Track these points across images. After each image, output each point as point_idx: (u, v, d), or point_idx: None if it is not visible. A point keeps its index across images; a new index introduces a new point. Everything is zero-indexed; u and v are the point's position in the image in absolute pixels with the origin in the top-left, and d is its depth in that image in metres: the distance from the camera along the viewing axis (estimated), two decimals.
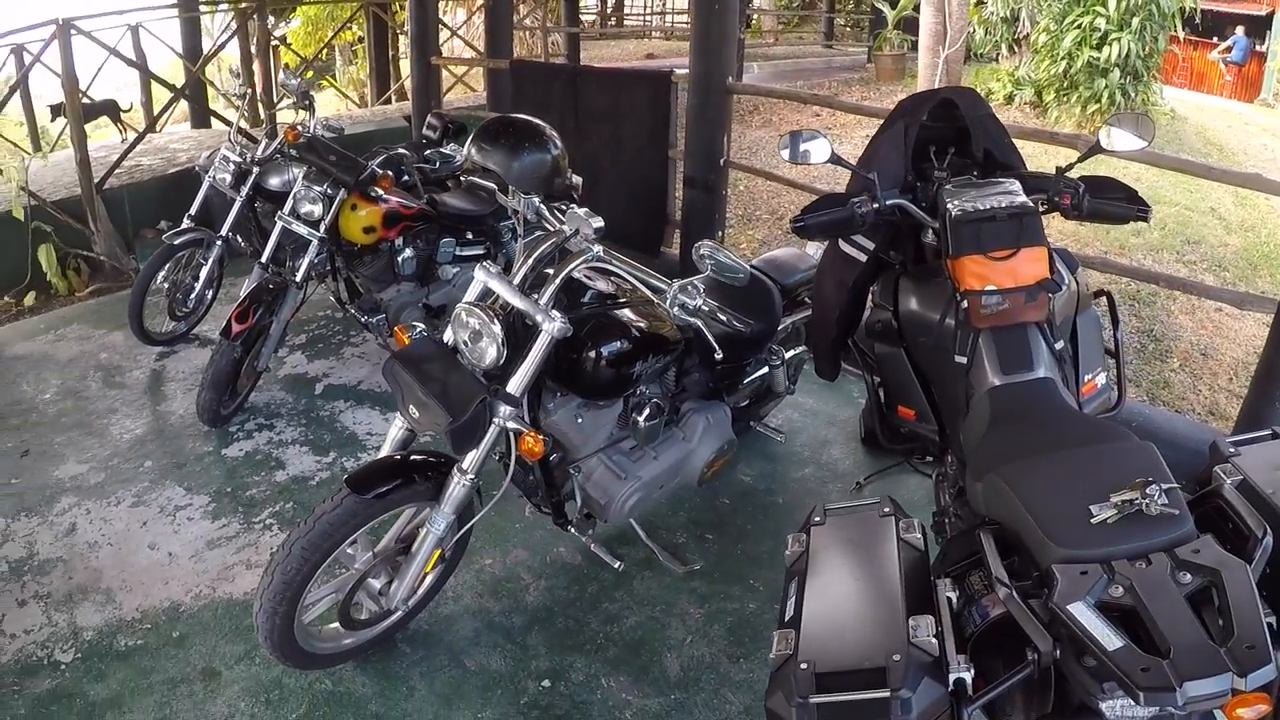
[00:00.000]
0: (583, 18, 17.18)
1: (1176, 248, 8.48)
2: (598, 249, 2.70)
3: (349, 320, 5.69)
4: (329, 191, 4.52)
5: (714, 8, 5.70)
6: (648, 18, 22.76)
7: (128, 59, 8.58)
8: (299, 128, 4.71)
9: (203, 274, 5.37)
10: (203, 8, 10.06)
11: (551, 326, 2.55)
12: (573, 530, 3.21)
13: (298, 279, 4.56)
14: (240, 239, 5.31)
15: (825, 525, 2.19)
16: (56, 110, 8.98)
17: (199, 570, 3.58)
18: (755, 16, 20.50)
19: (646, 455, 3.19)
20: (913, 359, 2.89)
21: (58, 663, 3.13)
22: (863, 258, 3.11)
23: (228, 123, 8.18)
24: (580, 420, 3.02)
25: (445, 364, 2.62)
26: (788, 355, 3.89)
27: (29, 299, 6.62)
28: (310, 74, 10.61)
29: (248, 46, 9.12)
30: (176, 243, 5.23)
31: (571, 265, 2.68)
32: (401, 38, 12.23)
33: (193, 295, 5.45)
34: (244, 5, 9.36)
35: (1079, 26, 10.24)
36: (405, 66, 12.68)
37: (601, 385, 2.88)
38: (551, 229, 2.84)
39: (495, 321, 2.53)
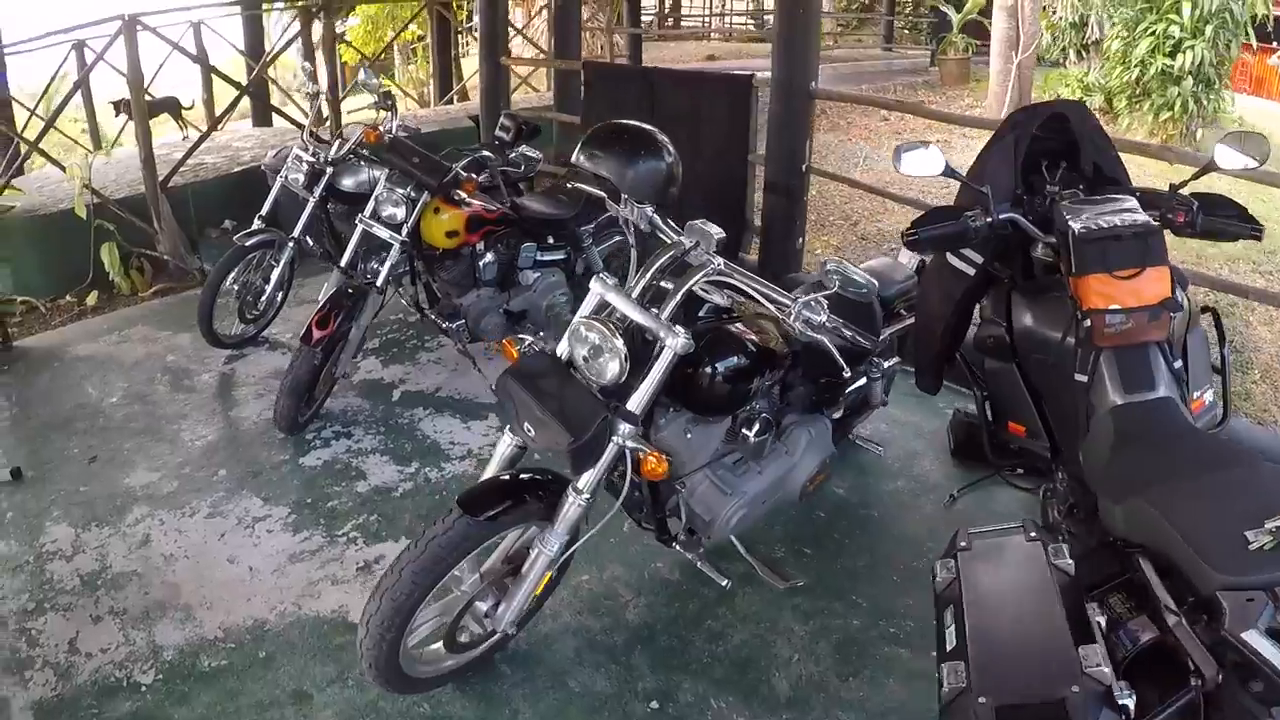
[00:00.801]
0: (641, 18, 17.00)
1: (1254, 258, 8.25)
2: (719, 261, 2.56)
3: (423, 324, 5.51)
4: (412, 194, 4.36)
5: (798, 12, 5.52)
6: (705, 19, 22.59)
7: (193, 55, 8.48)
8: (379, 128, 4.53)
9: (274, 276, 5.23)
10: (265, 5, 9.94)
11: (675, 343, 2.40)
12: (677, 547, 3.06)
13: (378, 284, 4.40)
14: (310, 240, 5.16)
15: (972, 551, 2.14)
16: (119, 106, 8.91)
17: (282, 586, 3.41)
18: None
19: (751, 470, 3.03)
20: (1025, 375, 2.88)
21: (138, 684, 2.95)
22: (971, 271, 3.06)
23: (293, 121, 8.10)
24: (689, 436, 2.87)
25: (561, 380, 2.50)
26: (884, 367, 3.72)
27: (91, 298, 6.51)
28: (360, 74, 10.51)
29: (310, 44, 9.01)
30: (248, 244, 5.09)
31: (693, 279, 2.53)
32: (461, 37, 12.11)
33: (263, 298, 5.31)
34: (306, 3, 9.25)
35: (1153, 33, 10.04)
36: (466, 66, 12.64)
37: (718, 401, 2.75)
38: (669, 240, 2.68)
39: (617, 336, 2.40)
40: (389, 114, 4.75)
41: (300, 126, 7.94)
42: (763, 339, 2.81)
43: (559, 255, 5.04)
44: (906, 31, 17.68)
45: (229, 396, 4.90)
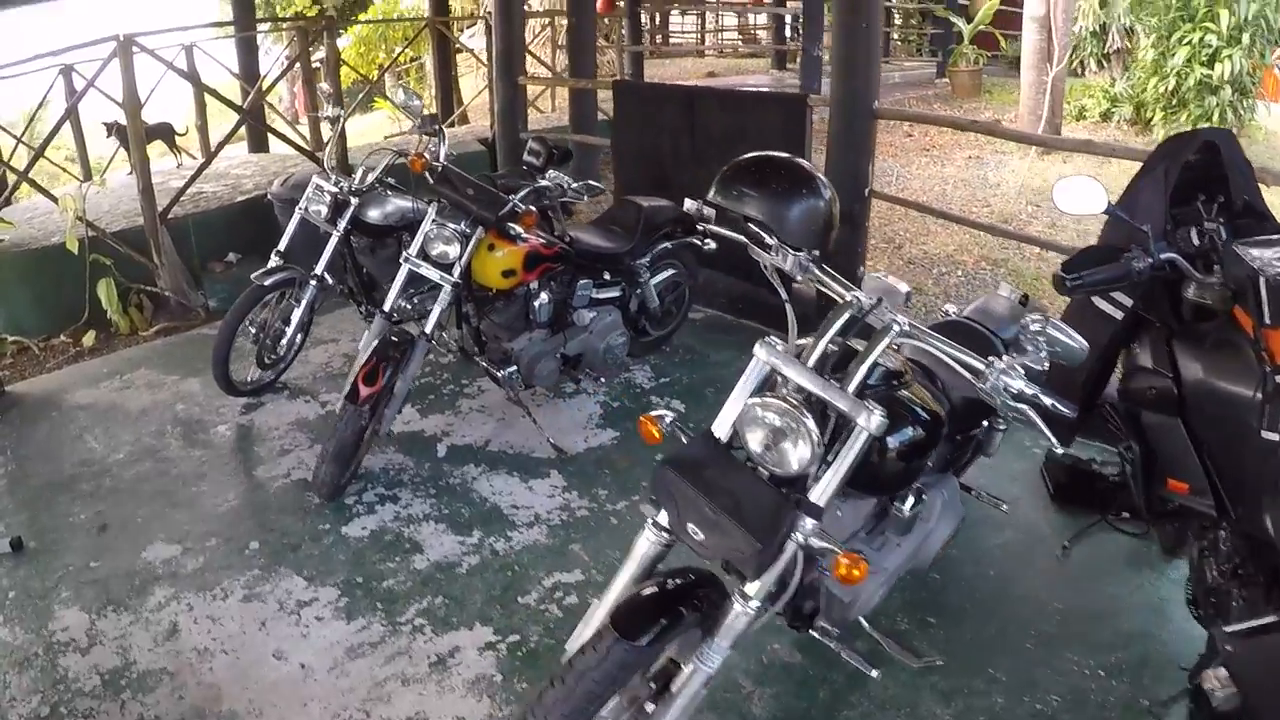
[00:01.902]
0: None
1: None
2: (904, 320, 2.18)
3: (459, 367, 5.09)
4: (466, 230, 3.91)
5: (860, 26, 5.15)
6: (697, 36, 22.28)
7: (194, 79, 8.02)
8: (424, 155, 4.08)
9: (294, 317, 4.77)
10: (262, 28, 9.49)
11: (870, 422, 2.05)
12: (814, 633, 2.62)
13: (427, 330, 3.94)
14: (330, 278, 4.73)
15: (1238, 653, 2.00)
16: (111, 128, 8.45)
17: (343, 688, 2.93)
18: None
19: (890, 543, 2.71)
20: (1189, 428, 2.63)
21: None
22: (1119, 315, 2.91)
23: (296, 146, 7.63)
24: (839, 513, 2.55)
25: (732, 470, 2.15)
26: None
27: (88, 338, 6.01)
28: (359, 95, 10.06)
29: (309, 67, 8.58)
30: (266, 283, 4.62)
31: (880, 345, 2.17)
32: (458, 57, 11.68)
33: (282, 341, 4.84)
34: (304, 24, 8.83)
35: (1189, 42, 9.77)
36: (465, 86, 12.21)
37: (891, 479, 2.43)
38: (843, 298, 2.28)
39: (808, 417, 2.07)
40: (435, 139, 4.27)
41: (305, 152, 7.51)
42: (933, 404, 2.45)
43: (615, 292, 4.63)
44: (901, 44, 17.41)
45: (251, 452, 4.41)
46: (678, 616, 2.10)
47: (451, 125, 10.87)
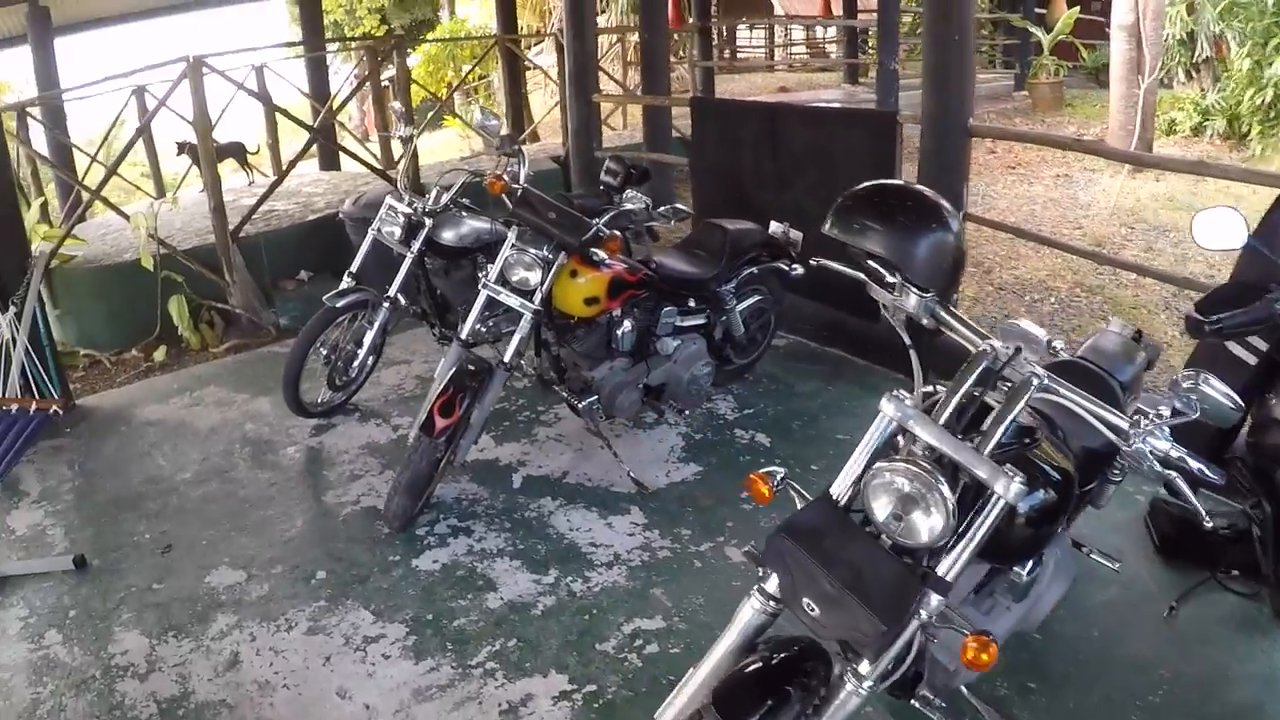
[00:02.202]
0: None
1: None
2: (1044, 374, 1.94)
3: (535, 392, 4.91)
4: (548, 256, 3.74)
5: (953, 39, 4.88)
6: (765, 51, 22.08)
7: (264, 99, 8.00)
8: (503, 177, 3.92)
9: (366, 339, 4.65)
10: (331, 48, 9.49)
11: (1009, 490, 1.81)
12: (915, 703, 2.33)
13: (505, 359, 3.77)
14: (403, 299, 4.62)
15: None
16: (182, 147, 8.47)
17: None
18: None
19: (1000, 606, 2.46)
20: None
21: None
22: (1253, 360, 2.75)
23: (368, 165, 7.55)
24: None
25: (848, 536, 1.95)
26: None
27: (159, 353, 5.97)
28: (429, 114, 10.01)
29: (379, 86, 8.54)
30: (339, 305, 4.51)
31: (1020, 402, 1.92)
32: (525, 75, 11.60)
33: (354, 363, 4.71)
34: (373, 43, 8.79)
35: None
36: (532, 104, 12.11)
37: (1018, 547, 2.19)
38: (977, 347, 2.03)
39: (943, 483, 1.83)
40: (513, 160, 4.10)
41: (376, 171, 7.44)
42: (1058, 460, 2.18)
43: (700, 320, 4.42)
44: (976, 54, 17.05)
45: (320, 476, 4.27)
46: (784, 698, 1.92)
47: (523, 143, 10.81)
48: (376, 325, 4.61)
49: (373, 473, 4.24)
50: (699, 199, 6.29)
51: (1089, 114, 12.37)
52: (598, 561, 3.56)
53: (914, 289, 2.02)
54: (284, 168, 7.46)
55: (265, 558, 3.63)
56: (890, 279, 2.06)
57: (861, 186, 2.19)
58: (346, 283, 4.68)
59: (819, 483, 3.92)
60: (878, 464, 1.92)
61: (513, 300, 3.76)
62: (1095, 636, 3.13)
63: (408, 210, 4.54)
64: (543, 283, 3.73)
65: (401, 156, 4.96)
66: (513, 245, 3.76)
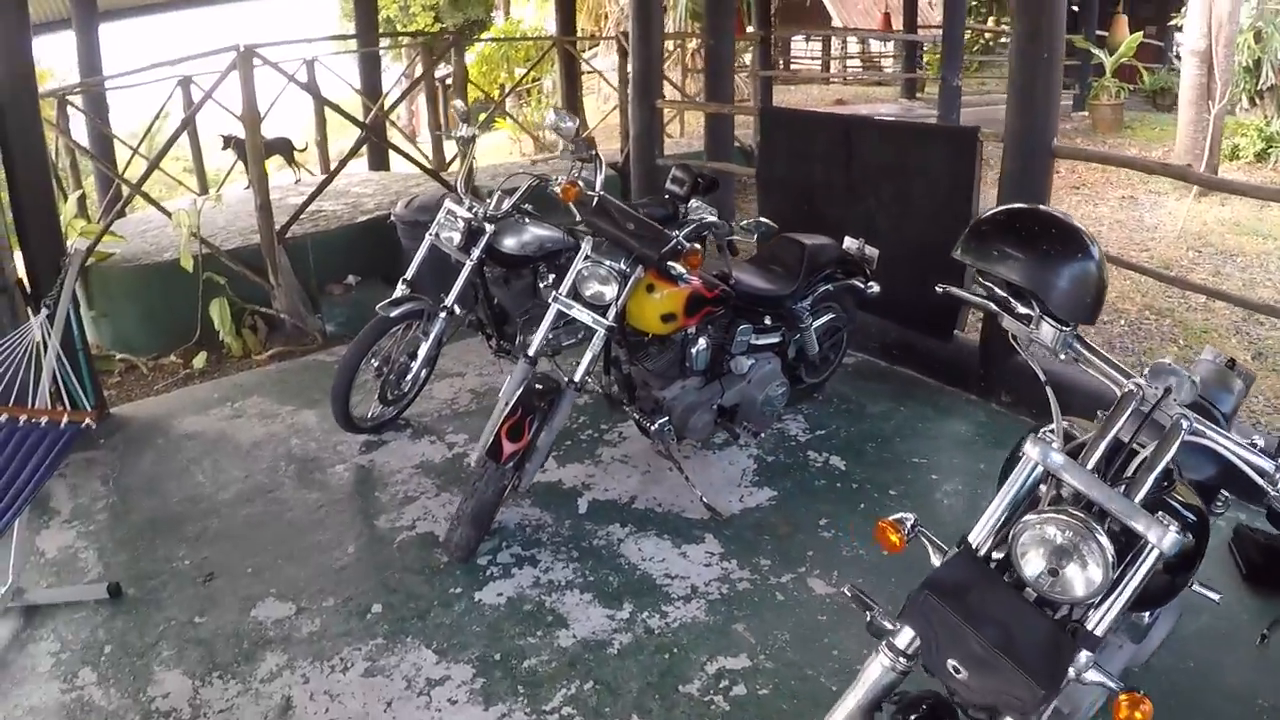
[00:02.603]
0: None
1: None
2: (1192, 417, 1.80)
3: (598, 410, 4.67)
4: (625, 269, 3.48)
5: (1042, 56, 4.61)
6: (817, 62, 21.82)
7: (315, 93, 7.80)
8: (578, 184, 3.65)
9: (421, 351, 4.43)
10: (385, 43, 9.27)
11: (1164, 541, 1.67)
12: None
13: (575, 378, 3.51)
14: (459, 308, 4.40)
15: None
16: (228, 141, 8.28)
17: None
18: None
19: (1112, 646, 2.23)
20: None
21: None
22: None
23: (421, 166, 7.32)
24: None
25: (993, 592, 1.82)
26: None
27: (199, 359, 5.74)
28: (482, 115, 9.78)
29: (433, 83, 8.32)
30: (393, 314, 4.27)
31: (1172, 448, 1.78)
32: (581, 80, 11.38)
33: (408, 376, 4.48)
34: (430, 39, 8.58)
35: None
36: (588, 109, 11.88)
37: (1155, 595, 2.01)
38: (1123, 387, 1.88)
39: (1103, 536, 1.71)
40: (593, 166, 3.84)
41: (429, 172, 7.20)
42: (1194, 502, 2.02)
43: (775, 338, 4.18)
44: None
45: (371, 498, 4.03)
46: None
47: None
48: (432, 336, 4.39)
49: (428, 495, 4.00)
50: (764, 211, 6.02)
51: (1149, 136, 12.12)
52: (674, 594, 3.31)
53: (1052, 321, 1.88)
54: (333, 166, 7.25)
55: (316, 589, 3.38)
56: (1023, 309, 1.92)
57: (997, 210, 2.05)
58: (400, 290, 4.45)
59: (895, 507, 3.70)
60: (1029, 516, 1.78)
61: (585, 316, 3.50)
62: (1190, 667, 2.97)
63: (468, 215, 4.33)
64: (618, 298, 3.47)
65: (456, 157, 4.71)
66: (587, 256, 3.50)
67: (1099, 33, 15.04)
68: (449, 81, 14.69)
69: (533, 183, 4.53)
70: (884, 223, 5.21)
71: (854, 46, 22.28)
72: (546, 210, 4.60)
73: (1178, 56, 11.50)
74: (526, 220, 4.53)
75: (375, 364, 4.38)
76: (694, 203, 4.48)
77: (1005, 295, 1.95)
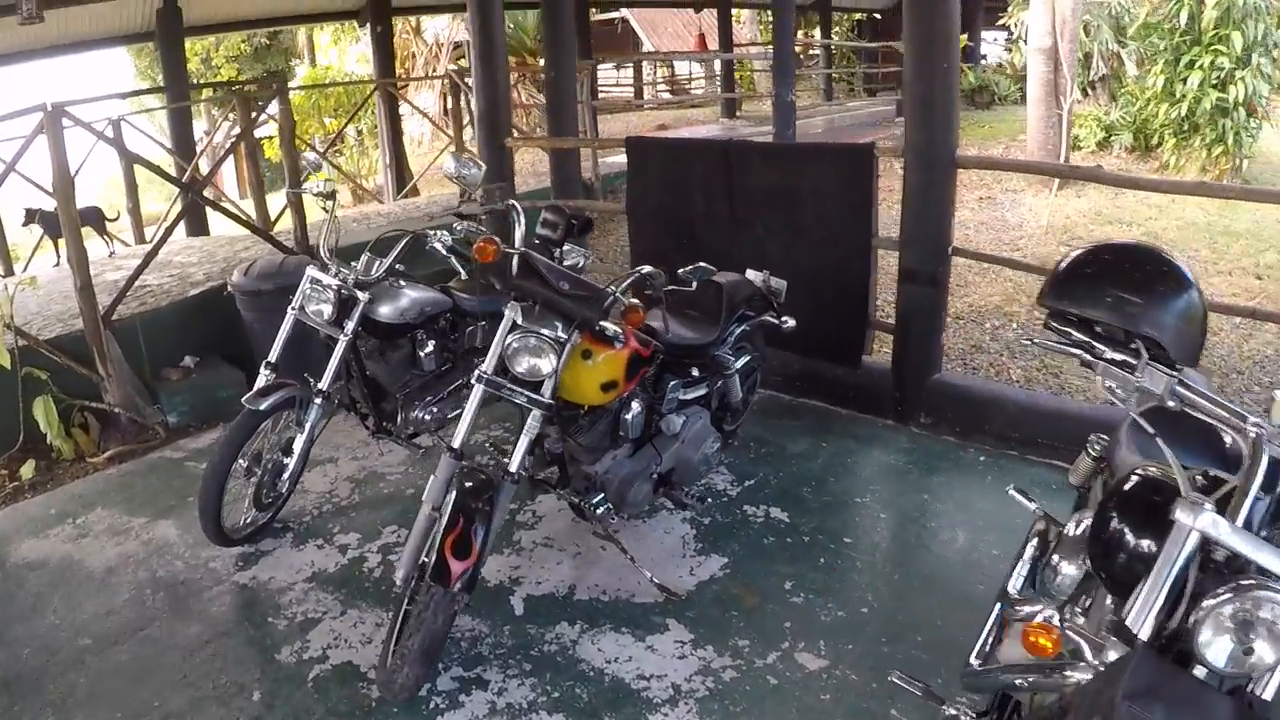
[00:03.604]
0: None
1: None
2: None
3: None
4: (562, 336, 3.04)
5: (942, 66, 4.50)
6: (629, 90, 21.68)
7: (130, 155, 7.01)
8: (496, 241, 3.17)
9: (297, 445, 3.90)
10: (196, 95, 8.51)
11: None
12: None
13: (512, 468, 3.04)
14: (333, 391, 3.92)
15: None
16: (32, 215, 7.39)
17: None
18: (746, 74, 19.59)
19: None
20: None
21: None
22: None
23: (251, 226, 6.66)
24: None
25: (1185, 691, 1.56)
26: None
27: (26, 469, 4.94)
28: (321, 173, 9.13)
29: (252, 138, 7.61)
30: (262, 407, 3.70)
31: None
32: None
33: (284, 475, 3.93)
34: (249, 90, 7.90)
35: (1200, 66, 9.47)
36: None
37: None
38: (1240, 429, 1.65)
39: None
40: (513, 214, 3.38)
41: (260, 233, 6.56)
42: None
43: (702, 390, 3.83)
44: (839, 83, 17.08)
45: (266, 626, 3.44)
46: None
47: (411, 194, 9.97)
48: (307, 427, 3.86)
49: (332, 614, 3.45)
50: (638, 248, 5.70)
51: (984, 134, 12.45)
52: (656, 699, 2.91)
53: (1160, 367, 1.66)
54: (154, 234, 6.50)
55: None
56: (1118, 355, 1.69)
57: (1097, 249, 1.84)
58: (264, 377, 3.92)
59: (856, 558, 3.54)
60: (1220, 597, 1.56)
61: (519, 396, 3.03)
62: None
63: (337, 283, 3.83)
64: (558, 370, 3.02)
65: (282, 214, 4.15)
66: (516, 326, 3.04)
67: None
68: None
69: (407, 240, 4.06)
70: (775, 251, 4.96)
71: (662, 71, 22.39)
72: (412, 266, 4.18)
73: (1007, 52, 11.85)
74: (402, 283, 4.06)
75: (244, 464, 3.81)
76: (568, 246, 4.14)
77: (1086, 340, 1.73)
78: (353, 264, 3.97)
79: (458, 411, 4.36)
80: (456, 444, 3.00)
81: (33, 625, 3.51)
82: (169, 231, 6.08)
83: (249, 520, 3.95)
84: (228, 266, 6.49)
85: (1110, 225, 8.11)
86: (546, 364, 2.98)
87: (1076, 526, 2.17)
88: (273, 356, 3.97)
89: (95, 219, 7.80)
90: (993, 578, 3.29)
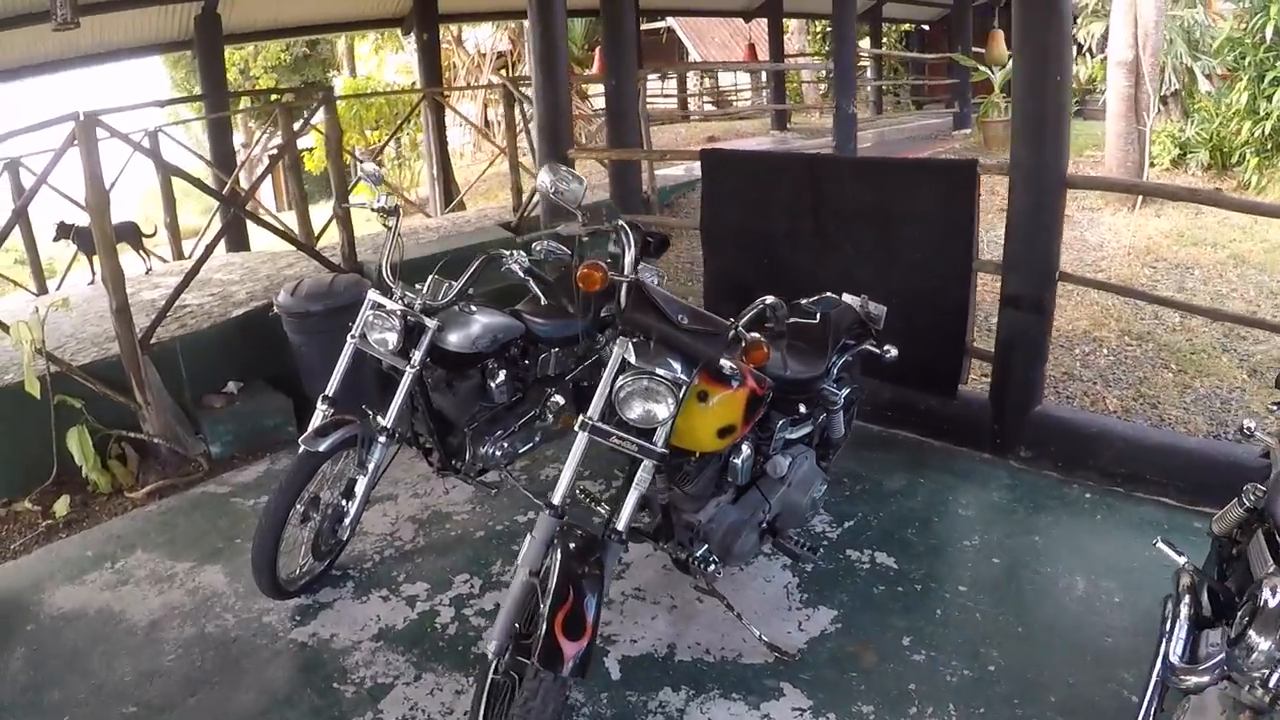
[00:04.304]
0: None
1: None
2: None
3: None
4: (682, 377, 2.64)
5: (1055, 80, 4.14)
6: (673, 101, 21.36)
7: (169, 167, 6.70)
8: (602, 266, 2.75)
9: (359, 488, 3.54)
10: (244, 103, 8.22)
11: None
12: None
13: (620, 527, 2.65)
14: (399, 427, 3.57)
15: None
16: (64, 230, 7.09)
17: None
18: (794, 86, 19.17)
19: None
20: None
21: None
22: None
23: (295, 241, 6.34)
24: None
25: None
26: None
27: (60, 505, 4.60)
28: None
29: (295, 149, 7.32)
30: (321, 448, 3.35)
31: None
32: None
33: (345, 520, 3.57)
34: (292, 99, 7.61)
35: None
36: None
37: None
38: None
39: None
40: (626, 245, 2.86)
41: (305, 249, 6.24)
42: None
43: (808, 428, 3.45)
44: (891, 95, 16.64)
45: (331, 693, 3.06)
46: None
47: (460, 208, 9.62)
48: (371, 468, 3.51)
49: (405, 679, 3.09)
50: (712, 268, 5.33)
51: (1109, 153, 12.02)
52: None
53: None
54: (191, 249, 6.18)
55: None
56: None
57: None
58: (322, 413, 3.58)
59: (975, 608, 3.31)
60: None
61: (629, 445, 2.65)
62: None
63: (401, 308, 3.49)
64: (673, 416, 2.64)
65: (387, 241, 3.76)
66: (630, 366, 2.65)
67: (975, 49, 15.07)
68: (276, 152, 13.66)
69: (480, 261, 3.72)
70: (865, 273, 4.59)
71: (712, 82, 22.06)
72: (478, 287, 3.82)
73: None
74: (474, 308, 3.70)
75: (301, 509, 3.46)
76: (642, 266, 3.80)
77: None
78: (417, 287, 3.62)
79: (528, 446, 4.03)
80: (556, 500, 2.60)
81: (70, 689, 3.16)
82: (210, 248, 5.75)
83: (305, 569, 3.61)
84: (271, 285, 6.17)
85: (1194, 247, 7.71)
86: (663, 409, 2.59)
87: (1275, 595, 1.85)
88: (330, 390, 3.63)
89: (132, 235, 7.48)
90: (1118, 630, 3.14)
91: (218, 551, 3.98)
